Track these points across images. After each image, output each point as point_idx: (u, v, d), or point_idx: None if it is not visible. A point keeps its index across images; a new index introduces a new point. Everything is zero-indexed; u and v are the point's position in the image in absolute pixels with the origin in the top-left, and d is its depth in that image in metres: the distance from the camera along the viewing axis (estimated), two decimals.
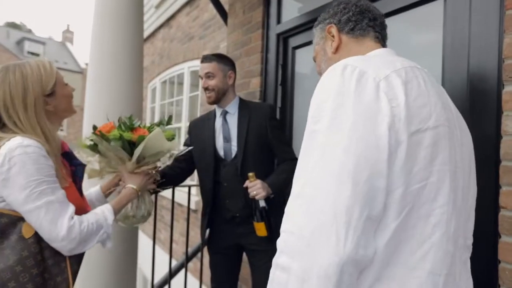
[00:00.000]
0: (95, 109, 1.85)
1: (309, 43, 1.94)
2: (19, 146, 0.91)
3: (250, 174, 1.41)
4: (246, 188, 1.44)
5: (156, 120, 4.82)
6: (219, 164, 1.61)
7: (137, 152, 1.23)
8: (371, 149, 0.53)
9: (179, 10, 4.39)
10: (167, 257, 2.09)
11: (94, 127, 1.28)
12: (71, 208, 0.99)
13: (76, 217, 0.99)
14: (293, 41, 2.05)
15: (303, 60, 2.02)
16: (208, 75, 1.60)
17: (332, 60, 0.79)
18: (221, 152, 1.62)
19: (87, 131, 1.90)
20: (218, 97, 1.62)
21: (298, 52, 2.03)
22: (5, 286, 0.87)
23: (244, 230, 1.60)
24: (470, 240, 0.71)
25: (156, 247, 2.13)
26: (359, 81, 0.57)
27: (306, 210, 0.53)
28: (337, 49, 0.79)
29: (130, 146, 1.26)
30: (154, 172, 1.37)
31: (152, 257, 2.02)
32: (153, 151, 1.27)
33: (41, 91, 1.00)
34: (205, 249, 1.82)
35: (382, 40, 0.80)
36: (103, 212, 1.08)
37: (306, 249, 0.51)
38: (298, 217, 0.54)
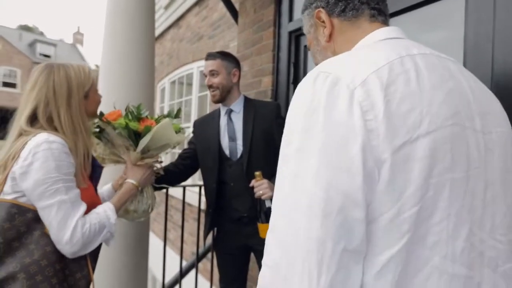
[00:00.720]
0: (106, 109, 1.84)
1: None
2: (45, 141, 0.93)
3: (257, 173, 1.36)
4: (252, 187, 1.41)
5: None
6: (225, 163, 1.59)
7: (143, 143, 1.19)
8: (342, 176, 0.46)
9: (188, 10, 4.39)
10: (176, 256, 2.07)
11: (101, 114, 1.23)
12: (82, 209, 0.99)
13: (80, 219, 0.98)
14: (305, 39, 2.01)
15: None
16: (212, 73, 1.58)
17: (327, 49, 0.70)
18: (227, 151, 1.59)
19: None
20: (223, 95, 1.59)
21: None
22: (32, 279, 0.89)
23: (251, 230, 1.56)
24: None
25: (160, 240, 2.12)
26: (331, 92, 0.49)
27: (279, 244, 0.49)
28: (330, 36, 0.69)
29: (136, 137, 1.22)
30: (157, 166, 1.33)
31: (163, 257, 2.00)
32: (160, 143, 1.23)
33: (83, 93, 1.06)
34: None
35: (380, 16, 0.68)
36: (105, 212, 1.07)
37: (283, 284, 0.47)
38: (273, 250, 0.50)
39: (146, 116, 1.29)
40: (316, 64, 0.73)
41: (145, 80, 1.89)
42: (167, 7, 4.75)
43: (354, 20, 0.67)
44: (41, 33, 37.21)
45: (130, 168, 1.27)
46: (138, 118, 1.26)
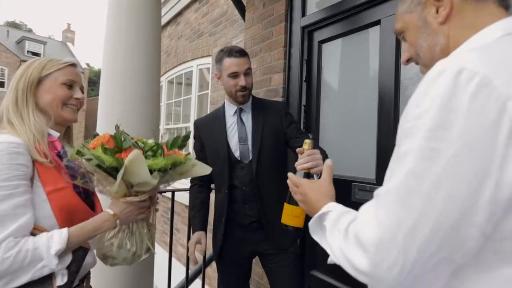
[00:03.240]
0: (109, 109, 1.72)
1: (337, 36, 1.82)
2: None
3: (309, 140, 1.02)
4: (297, 156, 1.15)
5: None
6: (235, 166, 1.49)
7: (119, 177, 0.89)
8: (464, 192, 0.42)
9: (187, 6, 4.26)
10: (176, 263, 1.96)
11: (95, 135, 1.01)
12: (13, 226, 0.79)
13: (8, 240, 0.77)
14: (320, 35, 1.92)
15: (330, 55, 1.89)
16: (247, 72, 1.47)
17: (438, 33, 0.59)
18: (237, 154, 1.49)
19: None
20: (249, 96, 1.52)
21: (325, 46, 1.90)
22: None
23: (260, 236, 1.50)
24: None
25: (165, 252, 2.00)
26: (477, 95, 0.42)
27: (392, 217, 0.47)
28: (447, 18, 0.58)
29: (112, 169, 0.92)
30: (150, 203, 1.01)
31: (168, 266, 1.89)
32: (139, 179, 0.92)
33: (33, 79, 0.95)
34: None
35: (507, 3, 0.57)
36: (50, 239, 0.83)
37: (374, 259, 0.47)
38: (388, 213, 0.47)
39: (136, 143, 0.97)
40: (415, 53, 0.64)
41: (151, 75, 1.76)
42: (164, 2, 4.61)
43: (481, 2, 0.56)
44: (30, 30, 36.44)
45: (113, 200, 0.99)
46: (120, 149, 0.93)
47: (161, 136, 4.89)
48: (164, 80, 4.92)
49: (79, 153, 0.92)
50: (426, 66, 0.64)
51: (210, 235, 1.60)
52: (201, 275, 2.12)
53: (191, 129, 4.01)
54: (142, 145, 0.97)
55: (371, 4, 1.60)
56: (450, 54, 0.53)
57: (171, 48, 4.73)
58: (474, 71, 0.43)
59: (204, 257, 2.02)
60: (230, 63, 1.45)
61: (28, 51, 23.65)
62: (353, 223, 0.53)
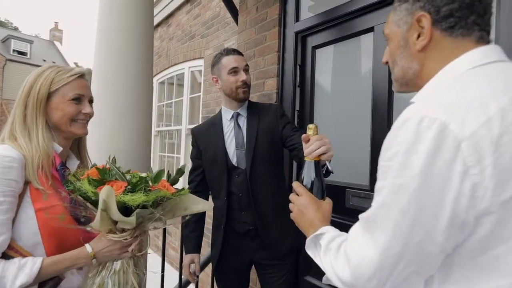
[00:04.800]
0: (101, 110, 1.68)
1: (330, 42, 1.82)
2: None
3: (313, 125, 0.87)
4: (300, 144, 1.09)
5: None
6: (232, 172, 1.48)
7: (98, 211, 0.83)
8: (429, 217, 0.51)
9: (178, 8, 4.23)
10: (168, 267, 1.93)
11: (93, 165, 0.96)
12: None
13: None
14: (313, 40, 1.92)
15: (324, 60, 1.89)
16: (246, 68, 1.49)
17: (414, 58, 0.63)
18: (234, 160, 1.48)
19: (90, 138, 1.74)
20: (249, 94, 1.53)
21: (319, 51, 1.91)
22: None
23: (257, 244, 1.48)
24: None
25: (157, 256, 1.97)
26: (436, 139, 0.49)
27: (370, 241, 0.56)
28: (424, 47, 0.62)
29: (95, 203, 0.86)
30: (134, 243, 0.92)
31: (161, 271, 1.86)
32: (115, 216, 0.84)
33: (44, 93, 0.92)
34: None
35: (487, 38, 0.61)
36: (20, 269, 0.79)
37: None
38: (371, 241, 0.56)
39: (123, 175, 0.90)
40: (391, 66, 0.69)
41: (143, 75, 1.73)
42: (155, 3, 4.56)
43: (460, 39, 0.60)
44: (16, 29, 35.60)
45: (99, 234, 0.93)
46: (101, 182, 0.87)
47: (153, 138, 4.84)
48: (155, 81, 4.87)
49: (67, 182, 0.89)
50: (396, 80, 0.70)
51: (206, 240, 1.58)
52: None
53: (183, 131, 3.99)
54: (130, 177, 0.90)
55: (365, 11, 1.61)
56: (420, 91, 0.61)
57: (162, 49, 4.68)
58: (433, 117, 0.50)
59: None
60: (229, 60, 1.46)
61: (14, 50, 23.07)
62: (344, 242, 0.62)
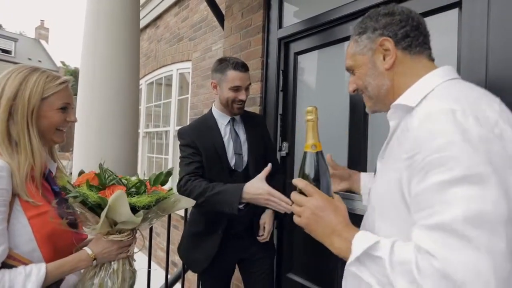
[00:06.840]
0: (88, 110, 1.72)
1: (312, 48, 1.90)
2: None
3: (310, 108, 0.82)
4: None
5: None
6: (230, 175, 1.53)
7: (102, 216, 0.90)
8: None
9: (166, 10, 4.26)
10: (155, 266, 1.97)
11: (80, 173, 1.00)
12: None
13: None
14: (296, 47, 2.00)
15: (306, 66, 1.97)
16: (248, 87, 1.51)
17: (384, 76, 0.74)
18: (232, 163, 1.54)
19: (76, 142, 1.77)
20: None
21: (301, 58, 1.99)
22: None
23: (249, 243, 1.57)
24: None
25: (144, 256, 2.02)
26: (476, 125, 0.55)
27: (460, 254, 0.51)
28: (392, 65, 0.73)
29: (95, 206, 0.93)
30: (131, 243, 1.00)
31: (147, 272, 1.90)
32: (123, 218, 0.92)
33: (35, 101, 0.90)
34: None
35: (432, 55, 0.76)
36: (27, 277, 0.80)
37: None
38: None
39: (120, 180, 0.98)
40: (356, 86, 0.80)
41: (130, 76, 1.78)
42: (143, 5, 4.57)
43: (416, 57, 0.72)
44: None
45: (95, 237, 0.99)
46: (102, 186, 0.94)
47: (141, 140, 4.85)
48: (143, 82, 4.88)
49: (64, 189, 0.93)
50: (371, 98, 0.79)
51: (173, 247, 1.63)
52: (181, 280, 2.15)
53: (171, 132, 4.01)
54: (125, 181, 0.98)
55: (346, 20, 1.68)
56: (407, 97, 0.69)
57: (150, 51, 4.70)
58: (459, 109, 0.56)
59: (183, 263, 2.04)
60: (235, 76, 1.44)
61: None
62: (428, 256, 0.52)
